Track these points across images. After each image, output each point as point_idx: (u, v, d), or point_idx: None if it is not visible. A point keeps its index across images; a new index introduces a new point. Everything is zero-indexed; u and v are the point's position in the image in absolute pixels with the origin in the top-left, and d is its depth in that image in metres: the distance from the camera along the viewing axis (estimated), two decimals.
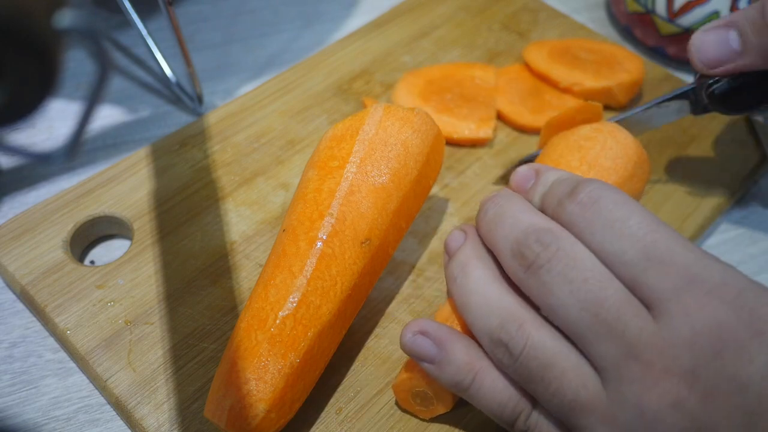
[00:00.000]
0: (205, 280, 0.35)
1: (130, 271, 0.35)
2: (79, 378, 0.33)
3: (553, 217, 0.27)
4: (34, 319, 0.34)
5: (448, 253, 0.30)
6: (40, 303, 0.33)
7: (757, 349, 0.22)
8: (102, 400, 0.32)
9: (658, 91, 0.48)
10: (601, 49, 0.47)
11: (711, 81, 0.34)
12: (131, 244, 0.36)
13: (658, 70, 0.50)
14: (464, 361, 0.27)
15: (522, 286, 0.27)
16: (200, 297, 0.35)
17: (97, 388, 0.33)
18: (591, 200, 0.26)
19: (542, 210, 0.28)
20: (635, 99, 0.47)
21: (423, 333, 0.28)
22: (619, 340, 0.24)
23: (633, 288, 0.24)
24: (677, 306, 0.23)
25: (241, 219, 0.38)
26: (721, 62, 0.33)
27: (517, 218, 0.27)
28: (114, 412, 0.32)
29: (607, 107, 0.46)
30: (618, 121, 0.37)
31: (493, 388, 0.27)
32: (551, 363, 0.25)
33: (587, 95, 0.44)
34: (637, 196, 0.35)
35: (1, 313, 0.35)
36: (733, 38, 0.33)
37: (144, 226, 0.37)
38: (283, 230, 0.31)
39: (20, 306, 0.35)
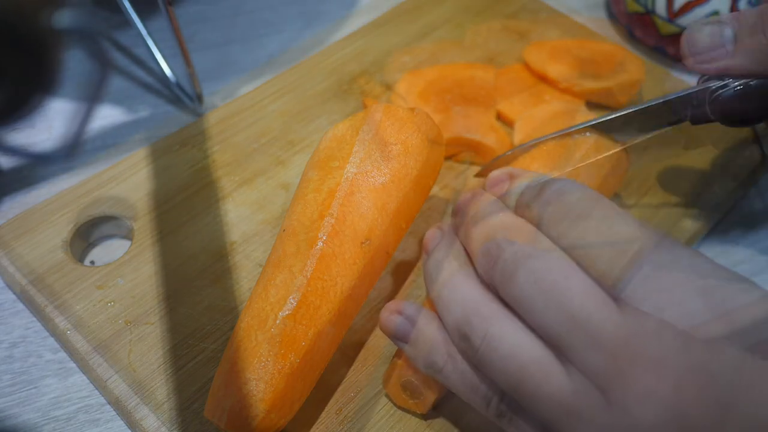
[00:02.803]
0: (206, 280, 0.35)
1: (130, 271, 0.35)
2: (79, 378, 0.33)
3: (524, 219, 0.28)
4: (34, 319, 0.34)
5: (426, 251, 0.31)
6: (40, 303, 0.33)
7: (723, 345, 0.22)
8: (102, 400, 0.32)
9: (658, 91, 0.48)
10: (602, 49, 0.47)
11: (715, 86, 0.33)
12: (131, 245, 0.36)
13: (658, 70, 0.50)
14: (436, 341, 0.28)
15: (494, 286, 0.27)
16: (200, 297, 0.35)
17: (97, 389, 0.32)
18: (555, 196, 0.27)
19: (516, 213, 0.28)
20: (635, 99, 0.47)
21: (399, 312, 0.29)
22: (584, 332, 0.24)
23: (602, 279, 0.24)
24: (643, 298, 0.23)
25: (242, 219, 0.38)
26: (711, 58, 0.33)
27: (487, 221, 0.28)
28: (114, 412, 0.32)
29: (608, 108, 0.46)
30: (610, 119, 0.36)
31: (465, 371, 0.27)
32: (511, 355, 0.25)
33: (587, 95, 0.44)
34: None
35: (1, 313, 0.35)
36: (727, 35, 0.32)
37: (144, 226, 0.37)
38: (283, 230, 0.31)
39: (20, 306, 0.35)
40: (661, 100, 0.34)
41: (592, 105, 0.46)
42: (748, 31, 0.32)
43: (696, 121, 0.34)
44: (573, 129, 0.36)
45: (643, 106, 0.35)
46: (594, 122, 0.36)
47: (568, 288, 0.24)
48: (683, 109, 0.34)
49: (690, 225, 0.40)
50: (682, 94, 0.34)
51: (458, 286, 0.28)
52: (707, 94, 0.33)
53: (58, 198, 0.37)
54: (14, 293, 0.36)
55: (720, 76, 0.33)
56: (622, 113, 0.35)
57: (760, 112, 0.33)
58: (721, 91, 0.33)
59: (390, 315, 0.29)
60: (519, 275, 0.25)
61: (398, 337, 0.29)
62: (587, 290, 0.24)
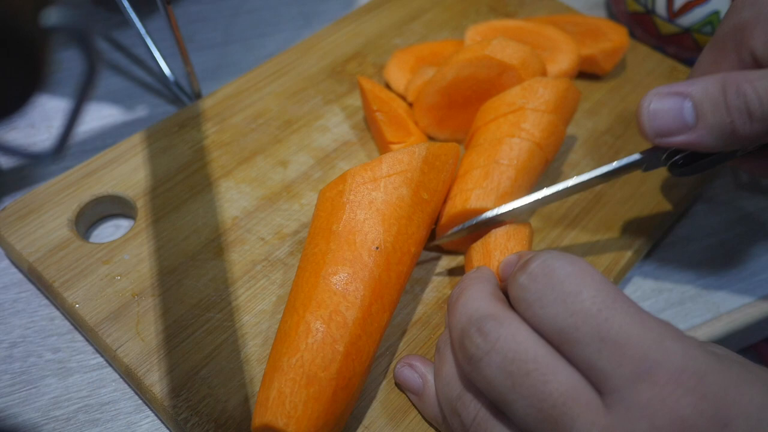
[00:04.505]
0: (209, 254, 0.36)
1: (136, 246, 0.36)
2: (79, 378, 0.33)
3: (507, 294, 0.26)
4: (34, 319, 0.35)
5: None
6: (48, 279, 0.34)
7: None
8: (102, 399, 0.32)
9: (643, 65, 0.49)
10: (586, 21, 0.48)
11: (672, 150, 0.32)
12: (135, 222, 0.37)
13: (642, 47, 0.51)
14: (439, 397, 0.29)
15: (469, 378, 0.26)
16: (205, 270, 0.35)
17: (106, 360, 0.33)
18: (542, 272, 0.24)
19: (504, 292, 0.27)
20: (619, 67, 0.49)
21: (411, 366, 0.31)
22: None
23: (585, 369, 0.23)
24: (633, 397, 0.22)
25: (242, 195, 0.39)
26: (671, 133, 0.30)
27: (467, 304, 0.27)
28: (114, 412, 0.32)
29: (592, 76, 0.47)
30: (573, 186, 0.33)
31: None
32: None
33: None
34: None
35: (1, 313, 0.35)
36: (687, 109, 0.30)
37: (147, 204, 0.38)
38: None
39: (20, 306, 0.35)
40: (623, 164, 0.33)
41: (578, 75, 0.47)
42: (709, 104, 0.29)
43: (648, 170, 0.34)
44: (541, 195, 0.34)
45: (606, 170, 0.33)
46: (563, 186, 0.33)
47: (549, 392, 0.23)
48: (638, 165, 0.33)
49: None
50: (638, 158, 0.33)
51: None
52: (663, 157, 0.32)
53: (62, 179, 0.38)
54: (21, 272, 0.36)
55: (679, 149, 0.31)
56: (587, 178, 0.33)
57: (712, 164, 0.32)
58: (677, 157, 0.32)
59: (402, 367, 0.31)
60: (495, 378, 0.24)
61: (408, 389, 0.31)
62: (569, 390, 0.23)
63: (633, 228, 0.39)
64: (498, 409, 0.26)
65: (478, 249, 0.34)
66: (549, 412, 0.23)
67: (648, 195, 0.41)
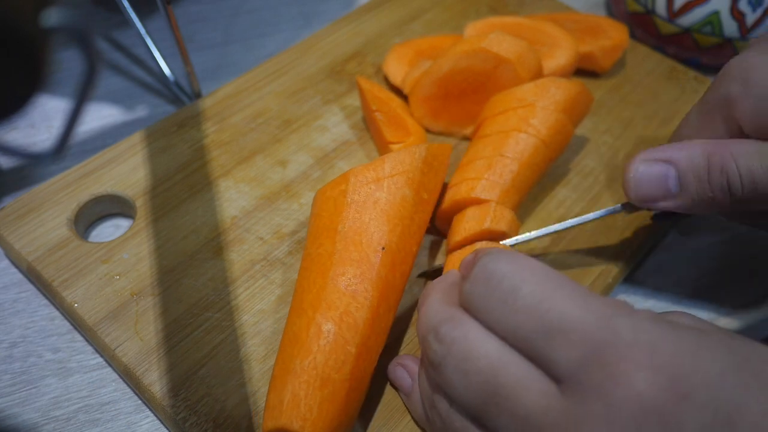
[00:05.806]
0: (208, 253, 0.36)
1: (135, 246, 0.36)
2: (79, 378, 0.33)
3: (459, 300, 0.26)
4: (34, 319, 0.35)
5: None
6: (47, 278, 0.34)
7: (686, 416, 0.20)
8: (102, 399, 0.32)
9: (642, 65, 0.49)
10: (586, 19, 0.48)
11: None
12: (134, 222, 0.37)
13: (642, 47, 0.51)
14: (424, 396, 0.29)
15: (437, 382, 0.26)
16: (203, 269, 0.35)
17: (106, 360, 0.33)
18: (482, 277, 0.25)
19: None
20: (619, 67, 0.49)
21: (402, 366, 0.31)
22: (523, 425, 0.23)
23: (539, 363, 0.23)
24: (586, 380, 0.21)
25: (241, 195, 0.39)
26: (655, 200, 0.32)
27: (427, 312, 0.27)
28: (114, 412, 0.32)
29: (592, 74, 0.47)
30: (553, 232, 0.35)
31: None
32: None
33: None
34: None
35: (1, 313, 0.35)
36: (672, 179, 0.31)
37: (146, 203, 0.38)
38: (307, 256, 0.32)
39: (20, 306, 0.35)
40: (604, 213, 0.35)
41: (577, 72, 0.47)
42: (693, 177, 0.30)
43: (630, 212, 0.35)
44: (521, 240, 0.35)
45: (583, 220, 0.35)
46: (543, 233, 0.35)
47: (502, 385, 0.23)
48: (619, 210, 0.35)
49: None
50: (613, 210, 0.35)
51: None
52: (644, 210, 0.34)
53: (61, 178, 0.38)
54: (20, 271, 0.36)
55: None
56: (563, 228, 0.35)
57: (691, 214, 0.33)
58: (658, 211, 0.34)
59: (394, 367, 0.31)
60: (453, 379, 0.25)
61: (398, 388, 0.31)
62: (521, 380, 0.23)
63: (631, 229, 0.39)
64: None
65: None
66: (503, 404, 0.23)
67: None
